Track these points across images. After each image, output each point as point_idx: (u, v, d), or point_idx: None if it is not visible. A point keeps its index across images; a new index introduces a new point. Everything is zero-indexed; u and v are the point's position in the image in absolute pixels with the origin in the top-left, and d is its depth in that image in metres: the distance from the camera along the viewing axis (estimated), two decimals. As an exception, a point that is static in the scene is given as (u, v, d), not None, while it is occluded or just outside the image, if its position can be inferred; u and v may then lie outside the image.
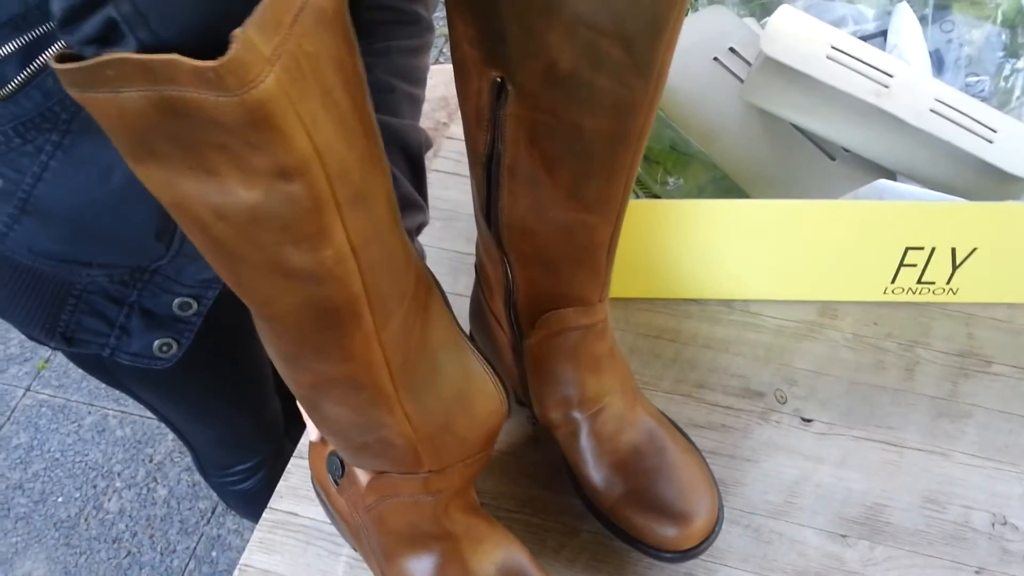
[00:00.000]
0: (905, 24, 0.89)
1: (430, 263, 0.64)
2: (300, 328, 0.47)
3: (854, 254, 0.80)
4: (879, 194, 0.78)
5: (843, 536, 0.71)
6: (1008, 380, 0.80)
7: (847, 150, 0.85)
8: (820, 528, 0.72)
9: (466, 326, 0.74)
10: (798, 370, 0.81)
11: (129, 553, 1.66)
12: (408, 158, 0.71)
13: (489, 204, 0.58)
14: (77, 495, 1.74)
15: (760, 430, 0.77)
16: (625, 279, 0.84)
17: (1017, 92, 0.88)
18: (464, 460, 0.60)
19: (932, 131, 0.78)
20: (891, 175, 0.84)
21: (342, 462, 0.64)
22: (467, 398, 0.58)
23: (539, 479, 0.74)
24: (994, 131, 0.80)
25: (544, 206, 0.56)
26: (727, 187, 0.87)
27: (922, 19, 0.90)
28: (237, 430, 1.08)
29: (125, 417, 1.84)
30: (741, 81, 0.88)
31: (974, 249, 0.79)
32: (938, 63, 0.91)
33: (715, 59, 0.90)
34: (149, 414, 1.60)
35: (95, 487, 1.75)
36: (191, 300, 0.75)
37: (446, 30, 0.49)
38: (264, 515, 0.73)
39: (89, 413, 1.86)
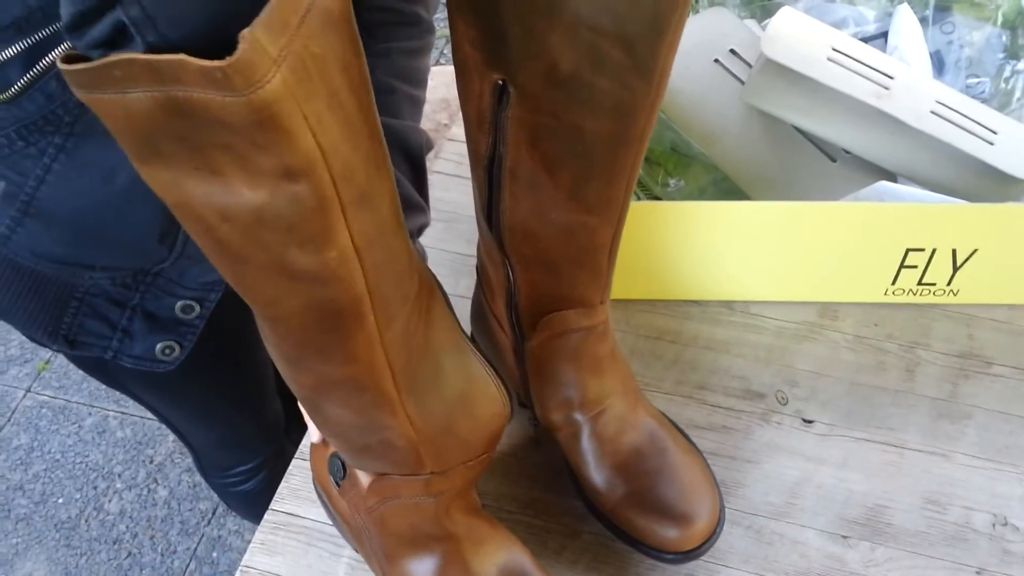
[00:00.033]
0: (905, 26, 0.89)
1: (431, 265, 0.65)
2: (303, 329, 0.47)
3: (855, 255, 0.80)
4: (880, 196, 0.79)
5: (844, 537, 0.71)
6: (1008, 381, 0.80)
7: (848, 152, 0.85)
8: (821, 529, 0.72)
9: (467, 328, 0.74)
10: (799, 371, 0.81)
11: (130, 554, 1.66)
12: (409, 159, 0.71)
13: (490, 206, 0.58)
14: (78, 496, 1.74)
15: (761, 431, 0.78)
16: (626, 280, 0.84)
17: (1017, 94, 0.88)
18: (466, 462, 0.60)
19: (933, 133, 0.79)
20: (892, 177, 0.84)
21: (343, 464, 0.64)
22: (469, 400, 0.58)
23: (541, 480, 0.74)
24: (994, 133, 0.80)
25: (545, 208, 0.56)
26: (728, 189, 0.88)
27: (922, 21, 0.91)
28: (238, 431, 1.08)
29: (126, 418, 1.84)
30: (742, 83, 0.88)
31: (975, 250, 0.79)
32: (938, 65, 0.91)
33: (716, 61, 0.90)
34: (150, 415, 1.60)
35: (95, 488, 1.75)
36: (194, 303, 0.75)
37: (447, 31, 0.49)
38: (266, 516, 0.73)
39: (89, 414, 1.86)
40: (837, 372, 0.81)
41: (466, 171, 0.96)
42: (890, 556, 0.70)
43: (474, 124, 0.54)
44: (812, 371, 0.81)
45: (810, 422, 0.78)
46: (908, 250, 0.79)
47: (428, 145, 0.74)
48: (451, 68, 0.55)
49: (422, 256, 0.72)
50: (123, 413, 1.85)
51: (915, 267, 0.81)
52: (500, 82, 0.49)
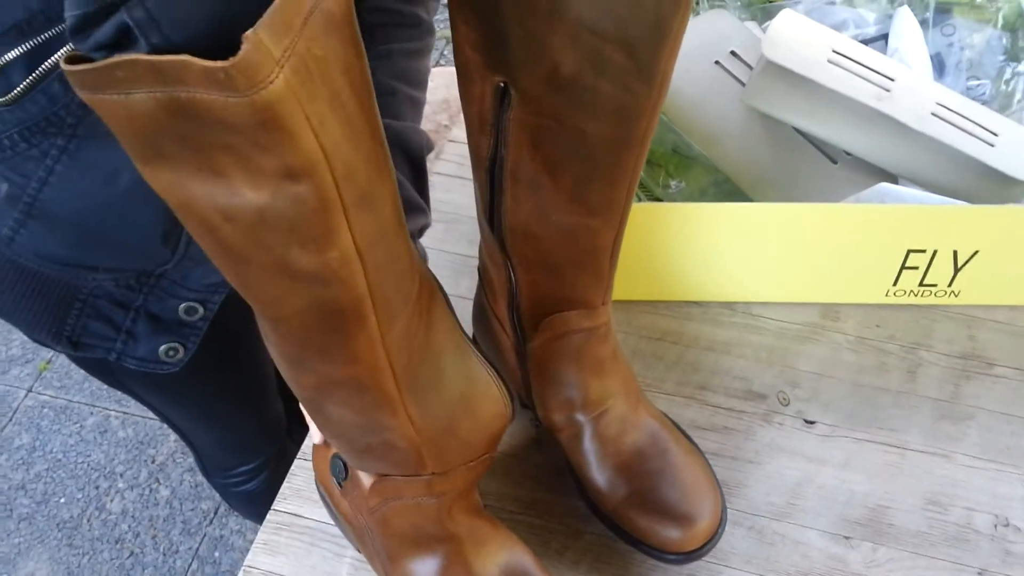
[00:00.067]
0: (906, 28, 0.89)
1: (432, 266, 0.65)
2: (305, 330, 0.47)
3: (856, 257, 0.80)
4: (881, 197, 0.79)
5: (846, 538, 0.71)
6: (1010, 382, 0.80)
7: (849, 153, 0.85)
8: (823, 530, 0.72)
9: (469, 329, 0.74)
10: (800, 372, 0.82)
11: (132, 554, 1.66)
12: (410, 161, 0.71)
13: (492, 208, 0.58)
14: (79, 496, 1.74)
15: (763, 432, 0.78)
16: (627, 281, 0.84)
17: (1018, 95, 0.88)
18: (467, 462, 0.60)
19: (933, 135, 0.79)
20: (893, 178, 0.84)
21: (345, 464, 0.64)
22: (470, 401, 0.58)
23: (542, 481, 0.74)
24: (995, 134, 0.80)
25: (547, 210, 0.56)
26: (729, 190, 0.88)
27: (923, 23, 0.91)
28: (240, 431, 1.08)
29: (127, 418, 1.84)
30: (743, 85, 0.88)
31: (976, 252, 0.79)
32: (939, 67, 0.91)
33: (717, 63, 0.90)
34: (151, 415, 1.60)
35: (97, 488, 1.75)
36: (197, 305, 0.75)
37: (447, 32, 0.50)
38: (268, 517, 0.74)
39: (91, 414, 1.86)
40: (839, 373, 0.81)
41: (467, 172, 0.96)
42: (892, 557, 0.70)
43: (476, 126, 0.54)
44: (814, 372, 0.82)
45: (812, 423, 0.78)
46: (909, 251, 0.79)
47: (429, 146, 0.74)
48: (451, 69, 0.55)
49: (423, 257, 0.72)
50: (125, 413, 1.85)
51: (916, 268, 0.81)
52: (502, 84, 0.49)
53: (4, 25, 0.54)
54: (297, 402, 0.58)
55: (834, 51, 0.81)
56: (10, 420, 1.85)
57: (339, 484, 0.65)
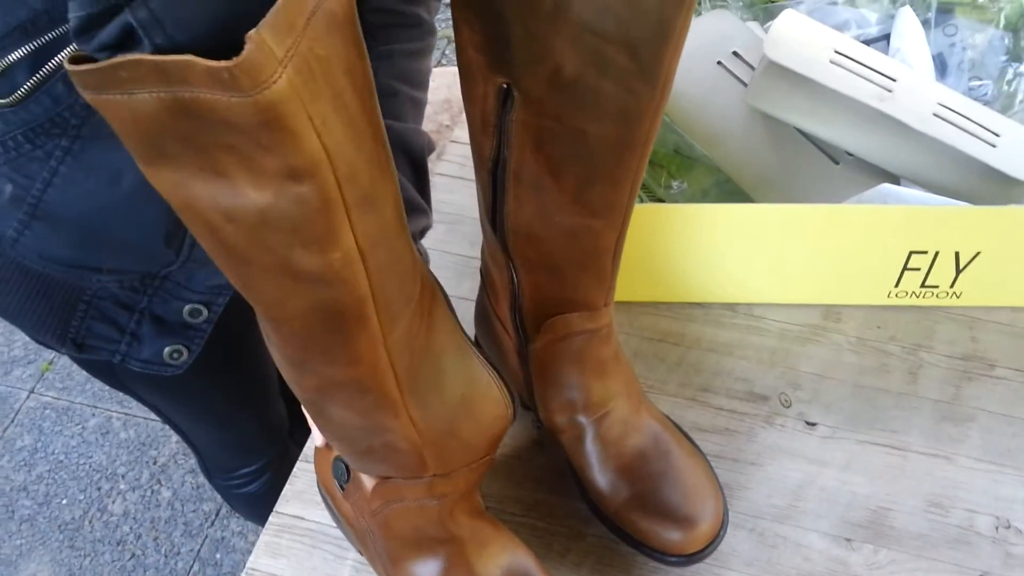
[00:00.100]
0: (908, 28, 0.89)
1: (434, 267, 0.65)
2: (307, 331, 0.47)
3: (858, 258, 0.80)
4: (883, 198, 0.79)
5: (847, 540, 0.71)
6: (1011, 384, 0.80)
7: (851, 154, 0.85)
8: (824, 532, 0.72)
9: (471, 330, 0.74)
10: (802, 373, 0.81)
11: (133, 555, 1.66)
12: (411, 162, 0.72)
13: (495, 209, 0.58)
14: (81, 497, 1.74)
15: (764, 434, 0.78)
16: (629, 283, 0.84)
17: (1020, 96, 0.88)
18: (469, 464, 0.60)
19: (935, 135, 0.79)
20: (895, 179, 0.84)
21: (347, 467, 0.64)
22: (472, 402, 0.58)
23: (544, 483, 0.74)
24: (997, 135, 0.80)
25: (550, 211, 0.56)
26: (731, 191, 0.88)
27: (925, 23, 0.91)
28: (242, 433, 1.08)
29: (129, 419, 1.85)
30: (745, 85, 0.88)
31: (977, 253, 0.79)
32: (941, 67, 0.91)
33: (719, 63, 0.90)
34: (153, 416, 1.60)
35: (99, 489, 1.75)
36: (201, 307, 0.74)
37: (448, 32, 0.50)
38: (270, 519, 0.74)
39: (93, 415, 1.86)
40: (840, 374, 0.81)
41: (469, 173, 0.96)
42: (893, 559, 0.70)
43: (478, 127, 0.54)
44: (815, 373, 0.81)
45: (813, 424, 0.78)
46: (911, 252, 0.79)
47: (430, 147, 0.74)
48: (453, 69, 0.55)
49: (424, 259, 0.72)
50: (127, 414, 1.85)
51: (918, 269, 0.81)
52: (504, 86, 0.49)
53: (8, 26, 0.54)
54: (299, 404, 0.58)
55: (836, 51, 0.81)
56: (12, 421, 1.86)
57: (341, 486, 0.65)
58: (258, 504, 1.17)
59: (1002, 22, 0.91)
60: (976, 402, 0.79)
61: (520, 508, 0.73)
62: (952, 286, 0.83)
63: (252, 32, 0.31)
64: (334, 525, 0.72)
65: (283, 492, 0.75)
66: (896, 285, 0.83)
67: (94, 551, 1.67)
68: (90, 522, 1.71)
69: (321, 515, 0.73)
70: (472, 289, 0.75)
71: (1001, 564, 0.70)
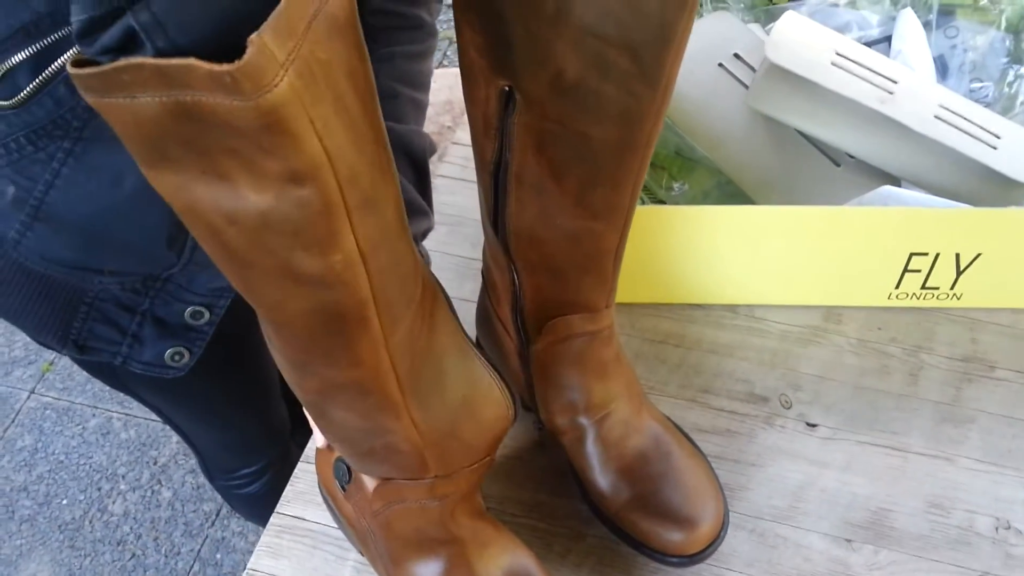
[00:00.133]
0: (909, 30, 0.89)
1: (436, 268, 0.65)
2: (308, 333, 0.47)
3: (858, 259, 0.81)
4: (884, 200, 0.79)
5: (848, 541, 0.71)
6: (1012, 385, 0.80)
7: (852, 156, 0.86)
8: (825, 533, 0.72)
9: (472, 331, 0.74)
10: (803, 375, 0.82)
11: (133, 555, 1.66)
12: (413, 164, 0.72)
13: (496, 211, 0.58)
14: (81, 497, 1.74)
15: (765, 435, 0.78)
16: (630, 284, 0.84)
17: (1021, 98, 0.88)
18: (470, 465, 0.61)
19: (936, 137, 0.79)
20: (896, 181, 0.84)
21: (349, 468, 0.64)
22: (473, 404, 0.59)
23: (545, 484, 0.75)
24: (998, 137, 0.80)
25: (551, 214, 0.56)
26: (732, 193, 0.88)
27: (926, 25, 0.91)
28: (243, 433, 1.08)
29: (129, 420, 1.85)
30: (746, 87, 0.88)
31: (978, 255, 0.79)
32: (942, 69, 0.91)
33: (720, 65, 0.90)
34: (154, 417, 1.61)
35: (99, 489, 1.75)
36: (203, 309, 0.74)
37: (450, 34, 0.50)
38: (271, 520, 0.74)
39: (93, 415, 1.86)
40: (841, 376, 0.81)
41: (471, 175, 0.96)
42: (893, 560, 0.70)
43: (480, 130, 0.54)
44: (816, 375, 0.82)
45: (814, 426, 0.78)
46: (912, 254, 0.79)
47: (431, 149, 0.74)
48: (454, 70, 0.55)
49: (426, 260, 0.72)
50: (127, 415, 1.85)
51: (919, 271, 0.81)
52: (506, 88, 0.49)
53: (10, 28, 0.54)
54: (300, 405, 0.58)
55: (837, 53, 0.81)
56: (12, 422, 1.86)
57: (342, 487, 0.65)
58: (259, 505, 1.17)
59: (1003, 24, 0.91)
60: (976, 403, 0.79)
61: (521, 509, 0.73)
62: (953, 288, 0.83)
63: (254, 36, 0.31)
64: (335, 526, 0.72)
65: (284, 493, 0.75)
66: (897, 287, 0.83)
67: (94, 551, 1.67)
68: (90, 522, 1.71)
69: (322, 516, 0.73)
70: (473, 290, 0.75)
71: (1001, 565, 0.70)
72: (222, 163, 0.36)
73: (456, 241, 0.92)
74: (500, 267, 0.63)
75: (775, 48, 0.81)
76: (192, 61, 0.31)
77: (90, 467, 1.78)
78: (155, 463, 1.78)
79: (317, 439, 0.68)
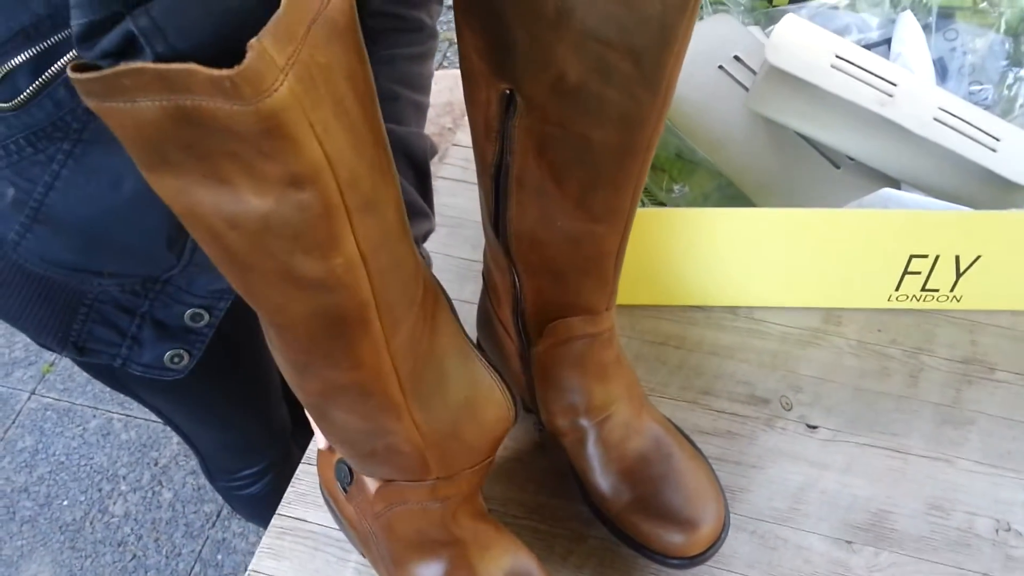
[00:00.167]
0: (909, 33, 0.89)
1: (437, 270, 0.65)
2: (310, 336, 0.47)
3: (858, 262, 0.81)
4: (883, 202, 0.79)
5: (848, 542, 0.71)
6: (1012, 387, 0.80)
7: (851, 159, 0.86)
8: (825, 534, 0.72)
9: (473, 333, 0.74)
10: (803, 377, 0.82)
11: (134, 556, 1.66)
12: (414, 166, 0.72)
13: (497, 214, 0.58)
14: (82, 498, 1.75)
15: (765, 437, 0.78)
16: (630, 286, 0.84)
17: (1020, 100, 0.89)
18: (471, 466, 0.61)
19: (936, 140, 0.79)
20: (895, 184, 0.84)
21: (350, 470, 0.64)
22: (474, 405, 0.59)
23: (546, 486, 0.75)
24: (997, 140, 0.80)
25: (552, 216, 0.56)
26: (732, 195, 0.88)
27: (926, 28, 0.91)
28: (244, 435, 1.08)
29: (130, 420, 1.85)
30: (746, 90, 0.89)
31: (978, 257, 0.79)
32: (942, 72, 0.91)
33: (720, 68, 0.90)
34: (154, 418, 1.61)
35: (100, 490, 1.75)
36: (203, 311, 0.74)
37: (450, 35, 0.50)
38: (273, 521, 0.74)
39: (94, 416, 1.86)
40: (841, 378, 0.81)
41: (471, 176, 0.96)
42: (894, 561, 0.70)
43: (481, 132, 0.54)
44: (816, 376, 0.82)
45: (814, 427, 0.78)
46: (912, 256, 0.79)
47: (432, 151, 0.74)
48: (455, 71, 0.55)
49: (427, 262, 0.73)
50: (128, 416, 1.85)
51: (919, 273, 0.81)
52: (507, 91, 0.50)
53: (10, 30, 0.54)
54: (302, 406, 0.58)
55: (837, 56, 0.81)
56: (13, 423, 1.86)
57: (344, 489, 0.65)
58: (260, 506, 1.17)
59: (1002, 27, 0.91)
60: (976, 405, 0.79)
61: (522, 510, 0.73)
62: (952, 290, 0.83)
63: (253, 40, 0.31)
64: (337, 527, 0.72)
65: (286, 494, 0.75)
66: (897, 289, 0.83)
67: (95, 552, 1.67)
68: (91, 523, 1.71)
69: (324, 517, 0.73)
70: (474, 292, 0.75)
71: (1001, 566, 0.70)
72: (223, 167, 0.36)
73: (457, 243, 0.92)
74: (501, 269, 0.63)
75: (775, 51, 0.81)
76: (192, 66, 0.31)
77: (91, 468, 1.79)
78: (156, 464, 1.79)
79: (318, 440, 0.68)
